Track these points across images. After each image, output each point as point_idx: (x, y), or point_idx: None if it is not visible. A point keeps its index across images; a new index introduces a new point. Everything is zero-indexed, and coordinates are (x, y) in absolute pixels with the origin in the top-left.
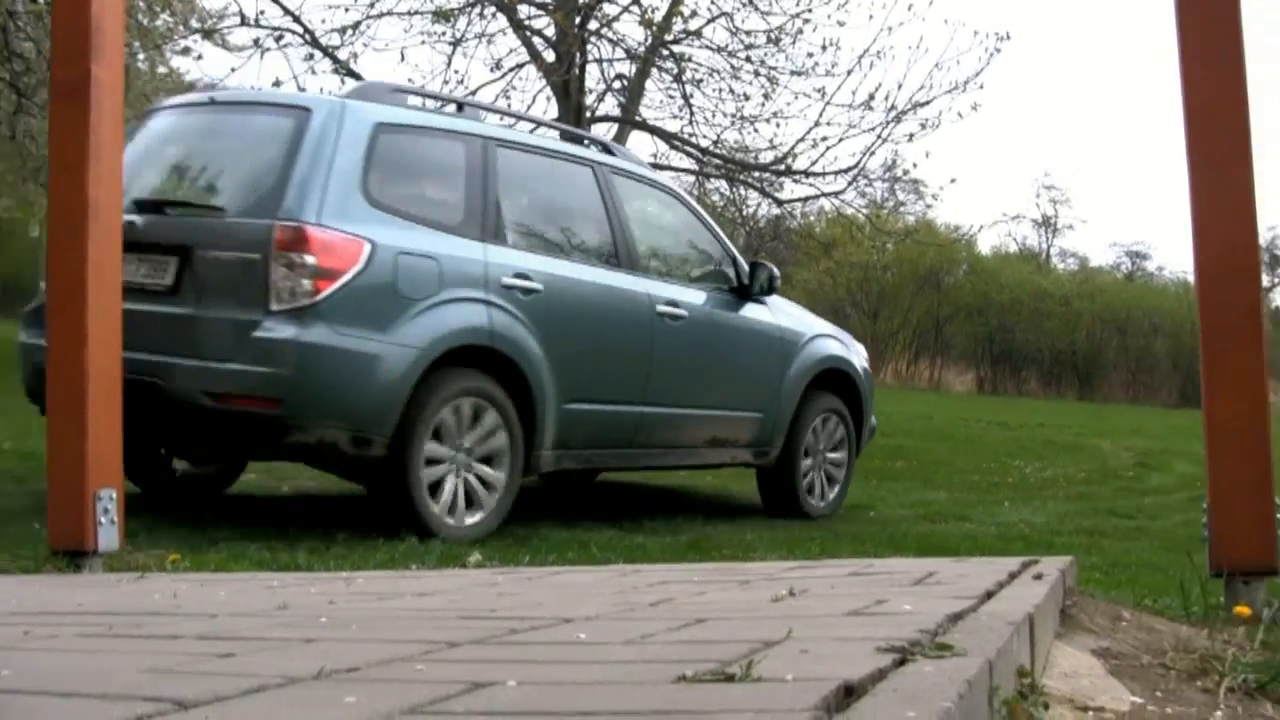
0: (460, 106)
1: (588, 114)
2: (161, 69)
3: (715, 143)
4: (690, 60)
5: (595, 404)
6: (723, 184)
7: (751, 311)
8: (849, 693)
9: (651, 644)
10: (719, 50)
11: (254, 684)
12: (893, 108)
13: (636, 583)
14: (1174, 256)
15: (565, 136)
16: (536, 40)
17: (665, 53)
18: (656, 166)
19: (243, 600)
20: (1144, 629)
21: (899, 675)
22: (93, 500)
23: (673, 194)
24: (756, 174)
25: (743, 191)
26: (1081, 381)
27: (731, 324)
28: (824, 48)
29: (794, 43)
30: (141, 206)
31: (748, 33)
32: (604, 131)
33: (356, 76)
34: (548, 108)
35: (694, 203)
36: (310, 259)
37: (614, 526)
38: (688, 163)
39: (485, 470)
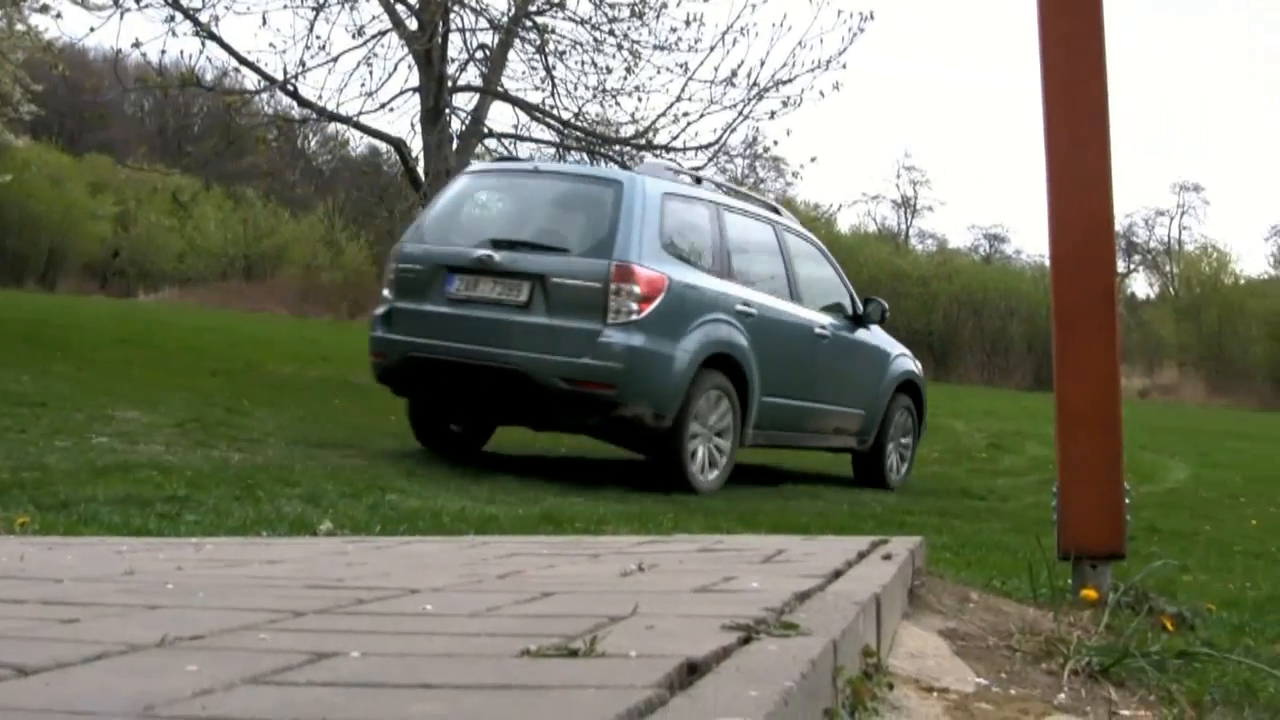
0: (698, 180)
1: (449, 83)
2: (20, 26)
3: (577, 115)
4: (553, 32)
5: (780, 398)
6: (583, 157)
7: (861, 335)
8: (692, 670)
9: (497, 617)
10: (582, 22)
11: (96, 651)
12: (755, 85)
13: (486, 554)
14: (1031, 240)
15: (757, 202)
16: (399, 7)
17: (528, 23)
18: (517, 138)
19: (90, 565)
20: (991, 610)
21: (743, 654)
22: None
23: (816, 245)
24: (617, 147)
25: (603, 165)
26: (937, 362)
27: (853, 343)
28: (687, 23)
29: (657, 17)
30: (498, 244)
31: (611, 5)
32: (465, 101)
33: (217, 39)
34: (409, 76)
35: (828, 251)
36: (636, 288)
37: (467, 497)
38: (549, 135)
39: (720, 442)
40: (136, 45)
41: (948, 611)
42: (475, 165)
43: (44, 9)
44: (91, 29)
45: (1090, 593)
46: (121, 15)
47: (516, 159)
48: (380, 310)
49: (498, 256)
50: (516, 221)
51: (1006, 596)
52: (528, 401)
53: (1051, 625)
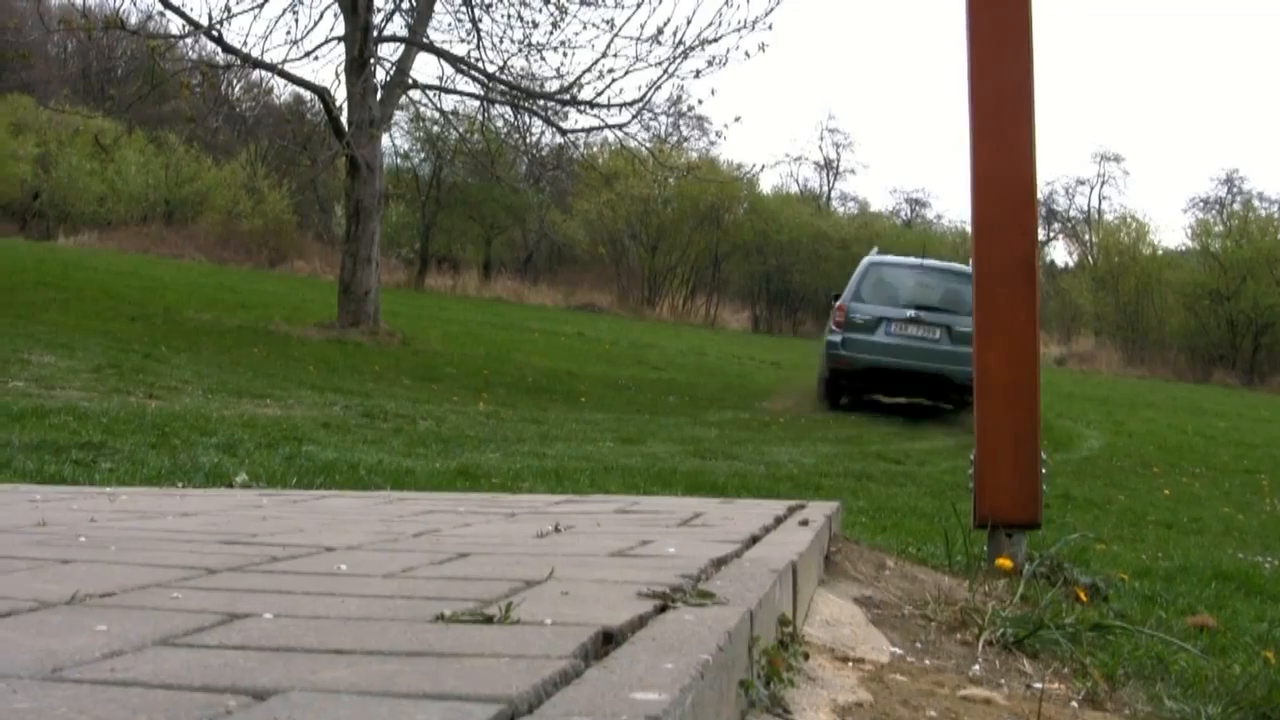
0: None
1: (375, 33)
2: None
3: (502, 69)
4: None
5: None
6: (507, 110)
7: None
8: (608, 640)
9: (412, 578)
10: None
11: (4, 608)
12: (681, 43)
13: (402, 511)
14: (953, 205)
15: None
16: None
17: None
18: (442, 90)
19: (2, 515)
20: (907, 578)
21: (659, 623)
22: None
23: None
24: (542, 102)
25: (527, 119)
26: None
27: None
28: None
29: None
30: (918, 308)
31: None
32: (390, 51)
33: None
34: (335, 25)
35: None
36: None
37: (384, 450)
38: (473, 88)
39: None
40: None
41: (864, 579)
42: (876, 258)
43: None
44: None
45: (1005, 562)
46: None
47: (906, 258)
48: (837, 338)
49: (921, 314)
50: (926, 294)
51: (922, 564)
52: (944, 389)
53: (966, 595)
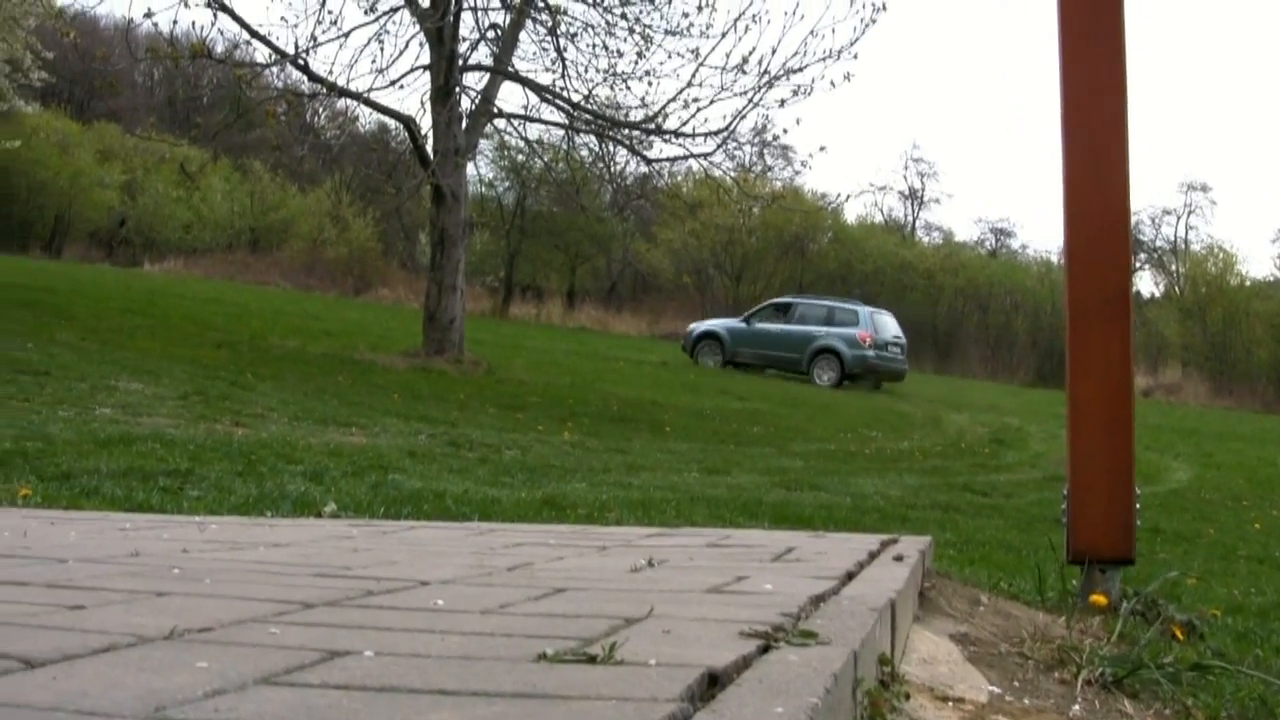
0: None
1: (460, 62)
2: None
3: (586, 98)
4: (565, 13)
5: None
6: (592, 139)
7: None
8: (713, 681)
9: (510, 615)
10: (594, 5)
11: (104, 642)
12: (766, 72)
13: (493, 543)
14: (1038, 235)
15: None
16: None
17: (540, 4)
18: (527, 119)
19: (94, 544)
20: (1001, 614)
21: (764, 664)
22: None
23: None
24: (626, 131)
25: (611, 148)
26: (940, 355)
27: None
28: (699, 8)
29: (670, 2)
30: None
31: None
32: (475, 80)
33: (229, 12)
34: (420, 53)
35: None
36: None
37: (470, 479)
38: (558, 116)
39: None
40: (148, 15)
41: (958, 615)
42: (863, 306)
43: None
44: None
45: (1100, 598)
46: None
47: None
48: (871, 353)
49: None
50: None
51: (1014, 599)
52: None
53: (1063, 632)
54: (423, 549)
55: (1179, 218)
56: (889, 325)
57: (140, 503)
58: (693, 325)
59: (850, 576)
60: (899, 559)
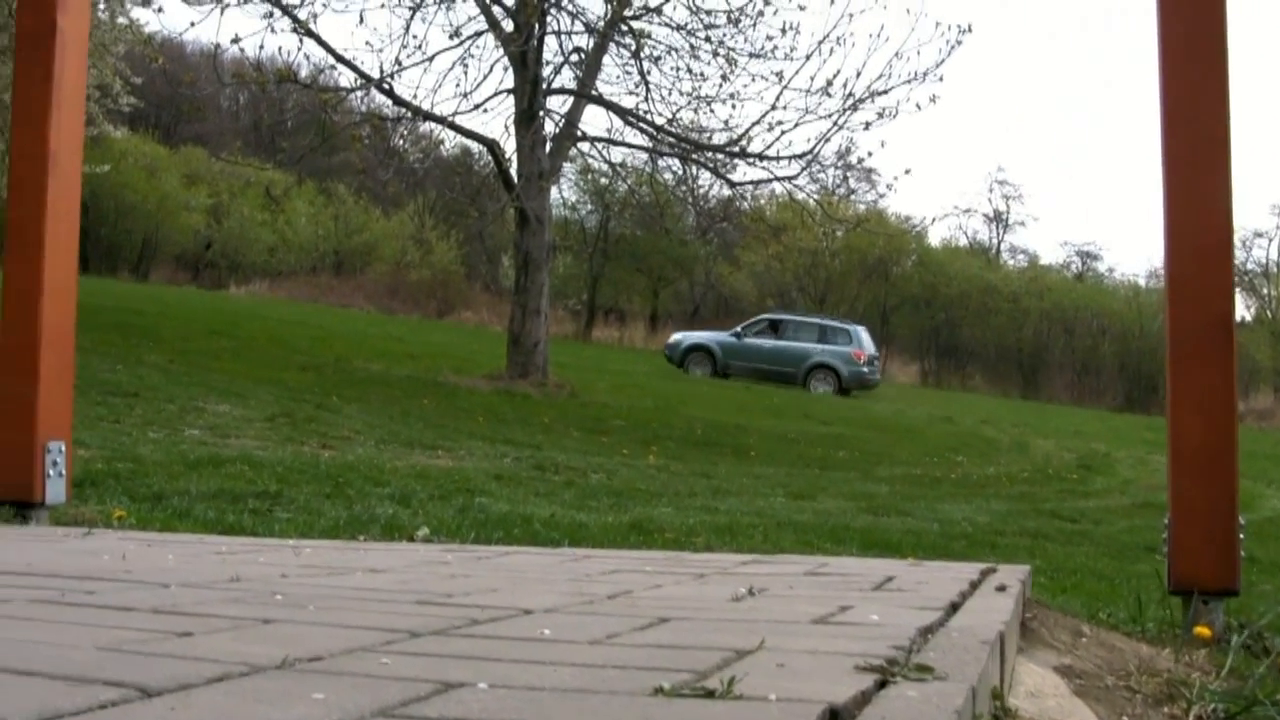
0: None
1: (544, 86)
2: (121, 20)
3: (670, 121)
4: (649, 37)
5: None
6: (675, 162)
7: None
8: (834, 718)
9: (619, 646)
10: (678, 28)
11: (217, 671)
12: (850, 95)
13: (589, 569)
14: (1125, 258)
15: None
16: (496, 9)
17: (624, 28)
18: (610, 142)
19: (193, 568)
20: (1104, 646)
21: (883, 700)
22: (42, 452)
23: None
24: (710, 154)
25: (695, 171)
26: (1026, 379)
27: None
28: (784, 31)
29: (754, 25)
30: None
31: (708, 12)
32: (559, 104)
33: (314, 37)
34: (504, 77)
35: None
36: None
37: (556, 502)
38: (642, 140)
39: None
40: (235, 41)
41: (1062, 647)
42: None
43: (146, 3)
44: (192, 23)
45: (1204, 630)
46: (222, 10)
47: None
48: (867, 369)
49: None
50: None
51: (1114, 630)
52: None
53: (1169, 665)
54: (520, 575)
55: (1270, 240)
56: (869, 342)
57: (232, 525)
58: (678, 336)
59: (955, 607)
60: (1001, 589)
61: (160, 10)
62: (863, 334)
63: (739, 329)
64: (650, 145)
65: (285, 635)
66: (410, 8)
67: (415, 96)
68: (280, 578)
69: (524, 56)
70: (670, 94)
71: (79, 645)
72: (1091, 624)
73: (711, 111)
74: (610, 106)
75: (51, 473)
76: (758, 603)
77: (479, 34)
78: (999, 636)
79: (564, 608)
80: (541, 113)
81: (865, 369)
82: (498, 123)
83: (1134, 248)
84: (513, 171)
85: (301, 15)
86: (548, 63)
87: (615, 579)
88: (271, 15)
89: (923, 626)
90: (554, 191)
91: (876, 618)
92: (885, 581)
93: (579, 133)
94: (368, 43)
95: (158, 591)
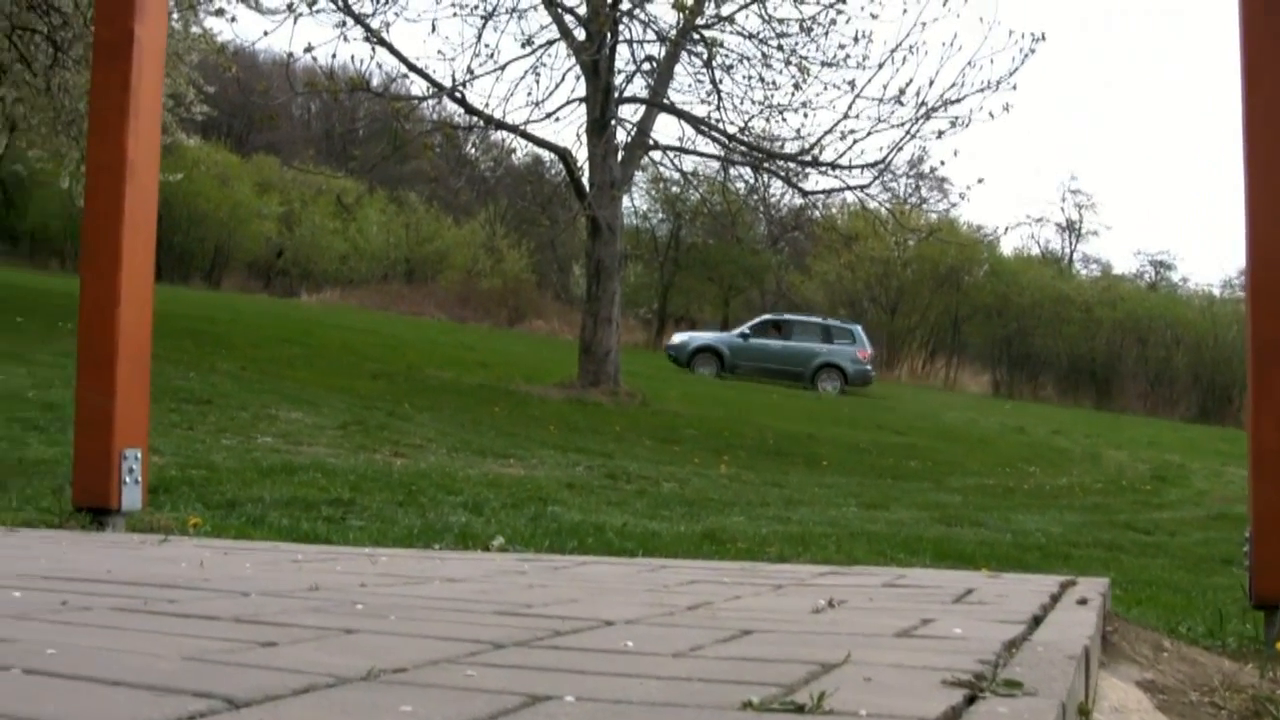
0: None
1: (616, 94)
2: (195, 29)
3: (742, 130)
4: (721, 45)
5: None
6: (747, 171)
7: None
8: None
9: (703, 658)
10: (750, 37)
11: (303, 683)
12: (923, 104)
13: (666, 580)
14: (1199, 268)
15: None
16: (568, 18)
17: (696, 37)
18: (682, 151)
19: (271, 576)
20: (1186, 660)
21: (973, 716)
22: (118, 460)
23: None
24: (782, 163)
25: (767, 180)
26: (1099, 389)
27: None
28: (856, 40)
29: (826, 33)
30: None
31: (780, 20)
32: (631, 112)
33: (387, 45)
34: (576, 86)
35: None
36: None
37: (628, 511)
38: (713, 148)
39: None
40: (308, 50)
41: (1144, 661)
42: (850, 324)
43: (219, 12)
44: (265, 33)
45: None
46: (295, 19)
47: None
48: (868, 367)
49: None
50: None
51: (1195, 644)
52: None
53: (1252, 680)
54: (598, 585)
55: None
56: (868, 342)
57: (306, 533)
58: (683, 337)
59: (1037, 620)
60: (1083, 602)
61: (234, 20)
62: (863, 334)
63: (745, 330)
64: (722, 154)
65: (369, 646)
66: (482, 17)
67: (487, 105)
68: (359, 587)
69: (596, 65)
70: (742, 102)
71: (164, 655)
72: (1172, 638)
73: (783, 120)
74: (682, 115)
75: (128, 480)
76: (839, 615)
77: (551, 43)
78: (1084, 651)
79: (645, 619)
80: (613, 121)
81: (867, 367)
82: (569, 131)
83: (1208, 257)
84: (584, 180)
85: (374, 24)
86: (619, 71)
87: (694, 589)
88: (344, 24)
89: (1007, 640)
90: (625, 200)
91: (960, 631)
92: (965, 594)
93: (651, 141)
94: (440, 51)
95: (239, 600)
